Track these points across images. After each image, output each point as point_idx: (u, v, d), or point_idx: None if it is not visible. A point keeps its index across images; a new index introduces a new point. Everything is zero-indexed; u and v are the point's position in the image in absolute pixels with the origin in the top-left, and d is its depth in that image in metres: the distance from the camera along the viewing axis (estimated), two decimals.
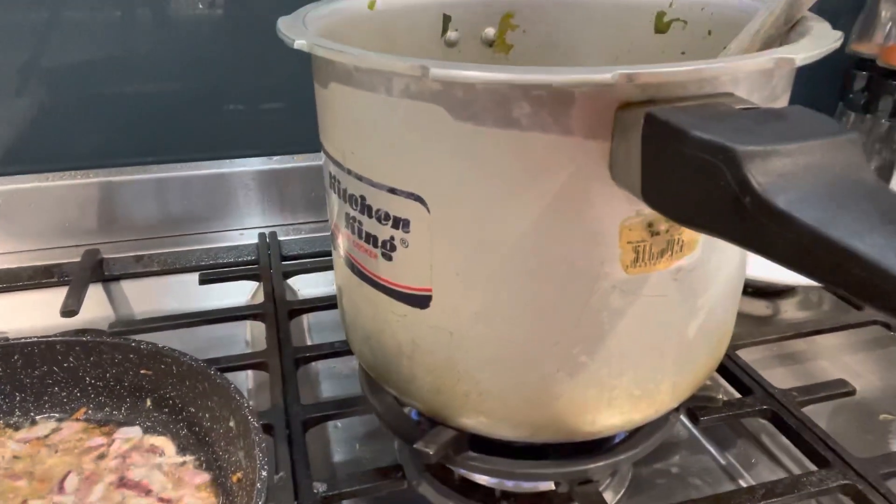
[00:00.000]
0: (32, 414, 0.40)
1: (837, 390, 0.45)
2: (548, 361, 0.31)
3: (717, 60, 0.25)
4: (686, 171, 0.22)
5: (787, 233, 0.19)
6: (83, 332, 0.51)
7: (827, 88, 0.77)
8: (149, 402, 0.40)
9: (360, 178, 0.31)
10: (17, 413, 0.40)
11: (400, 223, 0.30)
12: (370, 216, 0.31)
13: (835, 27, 0.28)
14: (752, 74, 0.26)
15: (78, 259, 0.59)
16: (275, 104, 0.68)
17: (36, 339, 0.40)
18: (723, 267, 0.32)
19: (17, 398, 0.40)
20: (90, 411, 0.40)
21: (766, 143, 0.20)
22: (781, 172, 0.20)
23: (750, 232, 0.20)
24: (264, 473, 0.31)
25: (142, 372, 0.39)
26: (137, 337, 0.52)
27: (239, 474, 0.35)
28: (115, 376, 0.40)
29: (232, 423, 0.36)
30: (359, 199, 0.32)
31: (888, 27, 0.71)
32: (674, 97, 0.25)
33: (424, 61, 0.25)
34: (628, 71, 0.23)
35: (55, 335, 0.40)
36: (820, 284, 0.19)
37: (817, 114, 0.22)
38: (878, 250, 0.17)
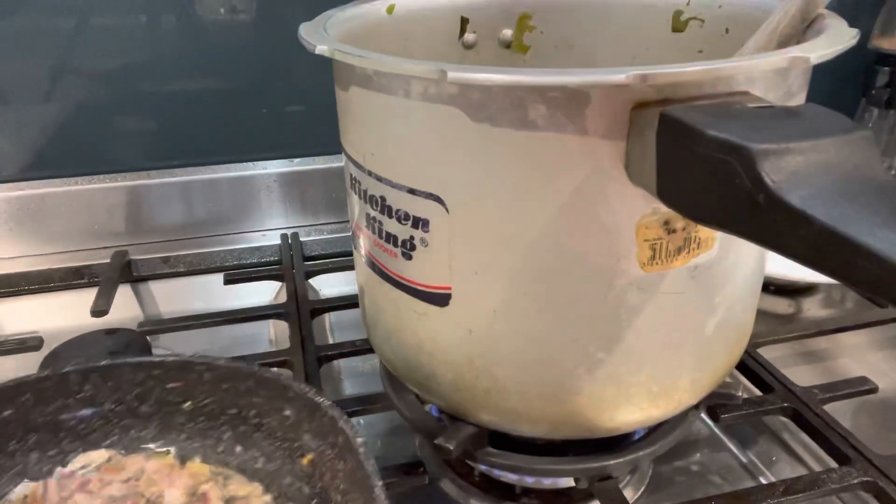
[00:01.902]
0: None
1: (859, 388, 0.45)
2: (566, 358, 0.31)
3: (731, 60, 0.25)
4: (701, 169, 0.22)
5: (800, 230, 0.19)
6: (113, 331, 0.52)
7: (849, 84, 0.76)
8: (180, 416, 0.39)
9: (379, 179, 0.32)
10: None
11: (419, 223, 0.31)
12: (390, 216, 0.32)
13: (856, 22, 0.28)
14: (767, 73, 0.27)
15: (107, 261, 0.60)
16: (297, 107, 0.69)
17: (47, 374, 0.37)
18: (740, 264, 0.32)
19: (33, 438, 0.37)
20: (115, 437, 0.38)
21: (780, 141, 0.20)
22: (795, 170, 0.20)
23: (764, 229, 0.20)
24: (360, 440, 0.32)
25: (168, 386, 0.38)
26: (165, 335, 0.54)
27: (310, 455, 0.35)
28: (138, 396, 0.38)
29: (288, 412, 0.36)
30: (379, 200, 0.32)
31: None
32: (689, 97, 0.25)
33: (442, 65, 0.26)
34: (642, 72, 0.23)
35: (70, 367, 0.38)
36: (835, 281, 0.19)
37: (831, 111, 0.22)
38: (891, 246, 0.17)
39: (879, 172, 0.20)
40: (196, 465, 0.38)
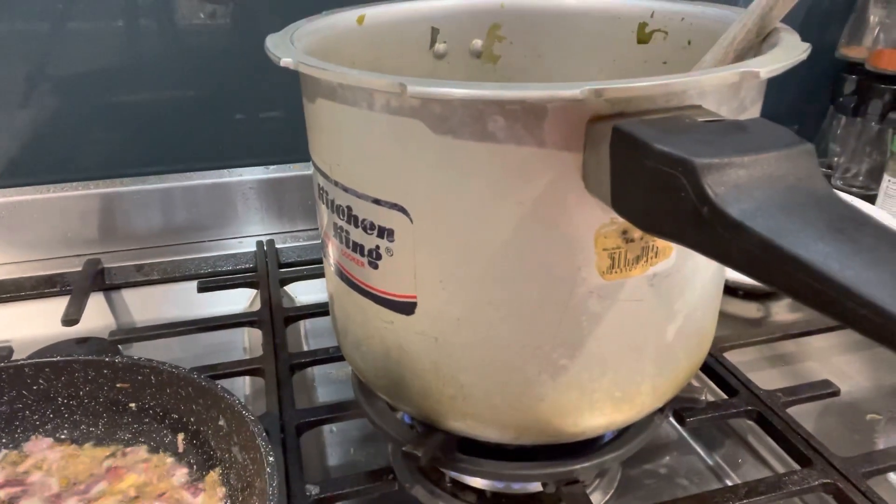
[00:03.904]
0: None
1: (822, 391, 0.46)
2: (529, 365, 0.32)
3: (683, 75, 0.26)
4: (650, 182, 0.23)
5: (740, 241, 0.20)
6: (84, 340, 0.52)
7: (818, 92, 0.78)
8: (127, 416, 0.40)
9: (346, 189, 0.32)
10: None
11: (385, 233, 0.31)
12: (356, 226, 0.32)
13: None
14: (719, 87, 0.27)
15: (79, 269, 0.60)
16: (273, 113, 0.69)
17: (3, 365, 0.39)
18: (698, 272, 0.33)
19: None
20: (65, 431, 0.40)
21: (724, 156, 0.21)
22: (737, 183, 0.21)
23: (708, 240, 0.21)
24: (272, 458, 0.32)
25: (118, 386, 0.39)
26: (138, 344, 0.54)
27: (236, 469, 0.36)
28: (88, 393, 0.40)
29: (222, 422, 0.37)
30: (345, 210, 0.33)
31: (876, 31, 0.71)
32: (642, 110, 0.26)
33: (403, 78, 0.26)
34: (596, 86, 0.24)
35: (23, 359, 0.40)
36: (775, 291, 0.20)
37: (776, 126, 0.23)
38: (823, 258, 0.18)
39: (819, 186, 0.21)
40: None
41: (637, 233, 0.29)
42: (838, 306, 0.18)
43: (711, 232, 0.21)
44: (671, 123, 0.24)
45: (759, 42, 0.33)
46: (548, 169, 0.27)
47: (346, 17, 0.42)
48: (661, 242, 0.30)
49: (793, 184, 0.21)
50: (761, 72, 0.26)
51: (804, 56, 0.29)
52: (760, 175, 0.21)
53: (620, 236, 0.29)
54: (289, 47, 0.33)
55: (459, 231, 0.30)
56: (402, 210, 0.30)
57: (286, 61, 0.30)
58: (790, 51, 0.29)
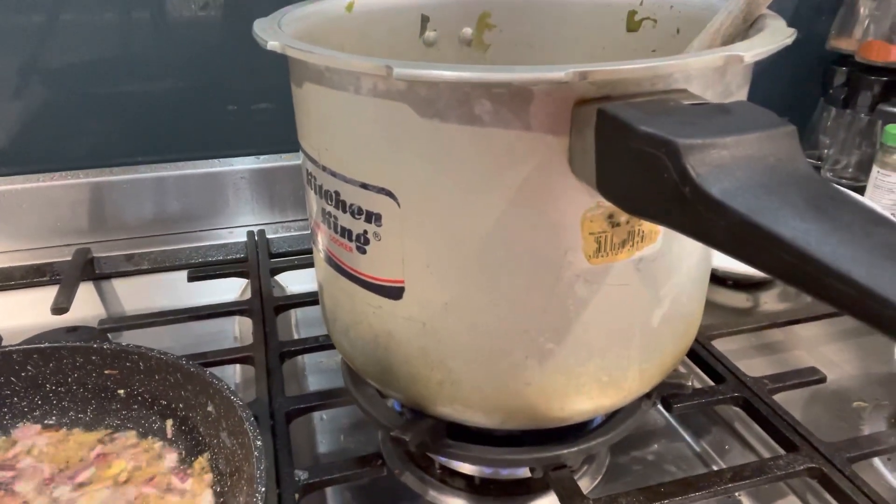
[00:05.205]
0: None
1: (808, 378, 0.46)
2: (516, 349, 0.32)
3: (668, 58, 0.26)
4: (634, 163, 0.23)
5: (721, 220, 0.20)
6: (74, 329, 0.52)
7: (808, 84, 0.78)
8: (116, 402, 0.40)
9: (333, 174, 0.32)
10: None
11: (372, 217, 0.31)
12: (344, 211, 0.32)
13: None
14: (704, 71, 0.27)
15: (69, 258, 0.60)
16: (264, 104, 0.69)
17: None
18: (685, 257, 0.33)
19: None
20: (54, 417, 0.40)
21: (706, 136, 0.21)
22: (719, 164, 0.21)
23: (691, 220, 0.21)
24: (259, 442, 0.33)
25: (106, 372, 0.39)
26: (128, 333, 0.54)
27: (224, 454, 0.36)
28: (76, 380, 0.40)
29: (210, 408, 0.37)
30: (333, 195, 0.33)
31: (866, 23, 0.72)
32: (627, 94, 0.26)
33: (389, 61, 0.26)
34: (581, 69, 0.24)
35: (11, 345, 0.40)
36: (758, 271, 0.20)
37: (760, 108, 0.23)
38: (801, 235, 0.18)
39: (801, 166, 0.21)
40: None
41: (623, 217, 0.29)
42: (816, 282, 0.18)
43: (693, 212, 0.21)
44: (655, 106, 0.24)
45: (746, 28, 0.33)
46: (534, 152, 0.27)
47: (335, 4, 0.42)
48: (647, 227, 0.30)
49: (774, 164, 0.21)
50: (746, 55, 0.26)
51: (789, 41, 0.29)
52: (742, 155, 0.21)
53: (606, 220, 0.29)
54: (276, 31, 0.32)
55: (446, 215, 0.30)
56: (390, 194, 0.30)
57: (272, 45, 0.30)
58: (776, 35, 0.29)
